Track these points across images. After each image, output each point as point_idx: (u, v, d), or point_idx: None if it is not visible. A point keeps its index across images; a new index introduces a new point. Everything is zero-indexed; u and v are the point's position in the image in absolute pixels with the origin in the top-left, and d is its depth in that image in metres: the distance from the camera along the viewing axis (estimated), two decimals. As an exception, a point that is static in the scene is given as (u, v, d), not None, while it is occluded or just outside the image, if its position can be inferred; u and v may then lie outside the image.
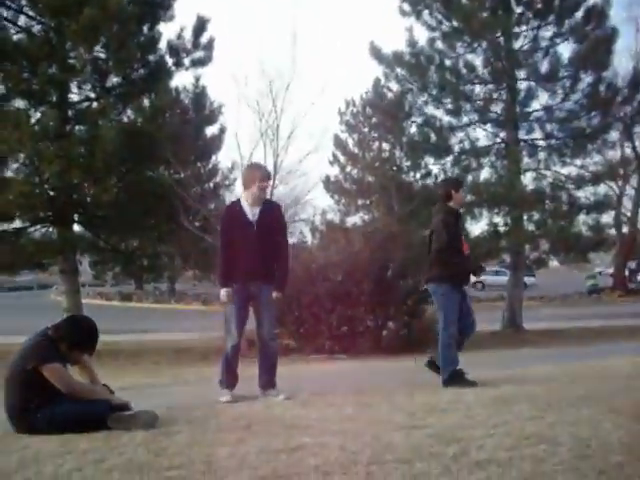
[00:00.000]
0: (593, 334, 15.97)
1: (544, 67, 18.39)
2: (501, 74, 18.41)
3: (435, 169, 20.91)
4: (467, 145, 19.31)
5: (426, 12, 18.54)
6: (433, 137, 19.05)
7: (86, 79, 15.28)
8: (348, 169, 37.09)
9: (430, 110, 19.20)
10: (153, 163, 16.34)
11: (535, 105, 18.90)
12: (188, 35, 16.22)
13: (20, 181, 14.56)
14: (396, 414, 4.61)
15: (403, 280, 14.08)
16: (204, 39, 16.38)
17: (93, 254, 18.25)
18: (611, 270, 41.76)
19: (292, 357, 11.84)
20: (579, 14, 18.05)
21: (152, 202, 15.37)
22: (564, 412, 4.39)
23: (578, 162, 19.32)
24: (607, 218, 23.27)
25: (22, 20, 15.15)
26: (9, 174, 15.29)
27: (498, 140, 19.55)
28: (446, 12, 18.22)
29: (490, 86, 19.10)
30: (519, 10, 18.41)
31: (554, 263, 24.56)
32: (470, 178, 18.72)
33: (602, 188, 21.04)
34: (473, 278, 6.69)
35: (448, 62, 18.71)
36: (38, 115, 15.13)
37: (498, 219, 19.09)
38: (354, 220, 28.67)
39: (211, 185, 20.75)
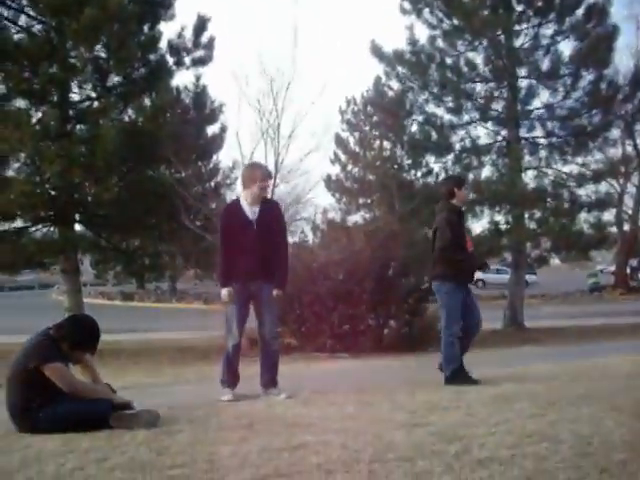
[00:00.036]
0: (594, 332, 15.96)
1: (545, 65, 18.40)
2: (502, 72, 18.40)
3: (436, 167, 20.90)
4: (468, 143, 19.31)
5: (427, 10, 18.54)
6: (434, 135, 19.05)
7: (87, 78, 15.27)
8: (349, 168, 37.09)
9: (431, 108, 19.22)
10: (154, 162, 16.33)
11: (536, 103, 18.92)
12: (189, 34, 16.23)
13: (21, 181, 14.56)
14: (397, 412, 4.61)
15: (404, 278, 14.08)
16: (205, 38, 16.39)
17: (94, 253, 18.24)
18: (612, 268, 41.76)
19: (293, 356, 11.84)
20: (580, 12, 18.03)
21: (153, 201, 15.36)
22: (565, 410, 4.39)
23: (579, 160, 19.32)
24: (608, 216, 23.22)
25: (23, 20, 15.14)
26: (10, 174, 15.28)
27: (499, 138, 19.54)
28: (447, 10, 18.21)
29: (491, 84, 19.09)
30: (520, 8, 18.39)
31: (555, 261, 24.55)
32: (471, 176, 18.69)
33: (603, 186, 21.11)
34: (478, 275, 6.68)
35: (449, 60, 18.71)
36: (39, 115, 15.14)
37: (499, 217, 19.10)
38: (355, 219, 28.60)
39: (212, 184, 20.71)
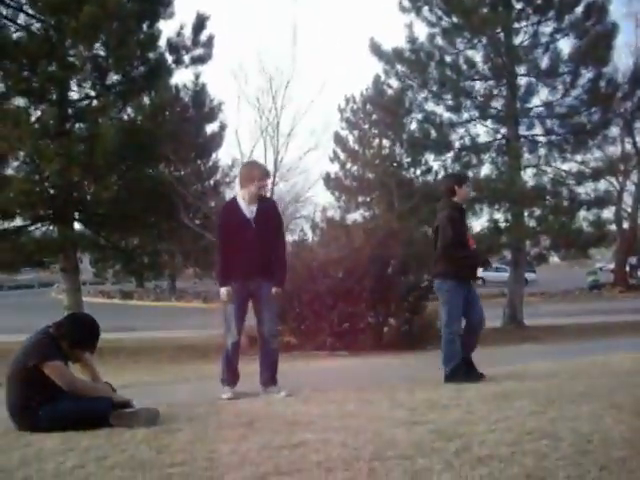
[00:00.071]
0: (594, 330, 15.98)
1: (544, 63, 18.40)
2: (501, 70, 18.39)
3: (435, 165, 20.98)
4: (467, 141, 19.33)
5: (426, 8, 18.53)
6: (433, 133, 19.05)
7: (86, 77, 15.26)
8: (348, 166, 37.08)
9: (430, 106, 19.22)
10: (153, 161, 16.33)
11: (535, 101, 18.94)
12: (188, 32, 16.24)
13: (20, 179, 14.56)
14: (397, 410, 4.61)
15: (404, 276, 14.07)
16: (204, 36, 16.39)
17: (94, 252, 18.28)
18: (612, 266, 41.77)
19: (293, 354, 11.84)
20: (579, 9, 18.04)
21: (152, 200, 15.37)
22: (565, 408, 4.39)
23: (579, 158, 19.35)
24: (608, 214, 23.30)
25: (22, 18, 15.14)
26: (9, 172, 15.30)
27: (499, 136, 19.54)
28: (446, 8, 18.20)
29: (490, 82, 19.09)
30: (519, 6, 18.38)
31: (555, 259, 24.59)
32: (471, 174, 18.69)
33: (603, 184, 21.12)
34: (480, 272, 6.67)
35: (448, 58, 18.70)
36: (38, 113, 15.14)
37: (499, 215, 19.12)
38: (354, 217, 28.62)
39: (211, 182, 20.73)
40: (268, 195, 6.85)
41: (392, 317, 13.85)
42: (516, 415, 4.21)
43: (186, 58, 16.30)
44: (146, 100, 15.96)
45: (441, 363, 6.35)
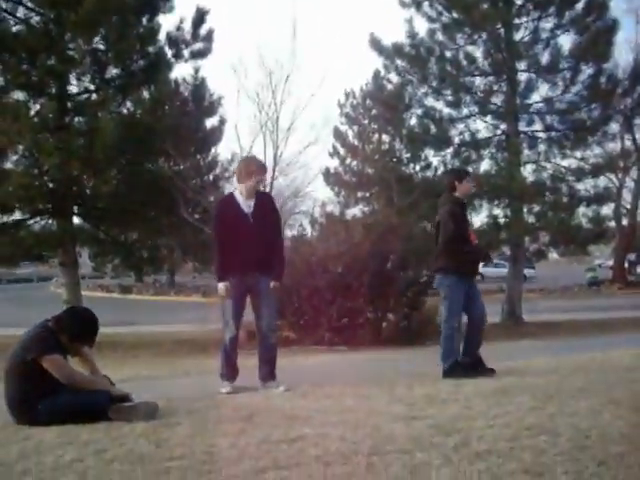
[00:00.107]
0: (593, 326, 15.98)
1: (544, 59, 18.34)
2: (501, 66, 18.35)
3: (435, 161, 20.90)
4: (467, 137, 19.28)
5: (426, 3, 18.46)
6: (433, 129, 19.01)
7: (85, 71, 15.22)
8: (348, 161, 37.06)
9: (430, 102, 19.16)
10: (153, 155, 16.32)
11: (535, 97, 18.88)
12: (187, 26, 16.16)
13: (19, 173, 14.54)
14: (396, 405, 4.62)
15: (403, 272, 14.09)
16: (203, 30, 16.32)
17: (93, 246, 18.24)
18: (611, 262, 41.78)
19: (292, 349, 11.85)
20: (579, 5, 17.97)
21: (152, 194, 15.36)
22: (564, 403, 4.39)
23: (578, 154, 19.29)
24: (607, 210, 23.26)
25: (21, 11, 15.09)
26: (8, 166, 15.27)
27: (498, 132, 19.50)
28: (446, 3, 18.14)
29: (490, 78, 19.04)
30: (519, 1, 18.31)
31: (554, 255, 24.56)
32: (470, 170, 18.68)
33: (602, 180, 21.02)
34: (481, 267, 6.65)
35: (448, 54, 18.65)
36: (37, 107, 15.12)
37: (498, 211, 19.09)
38: (354, 212, 28.65)
39: (211, 177, 20.72)
40: (267, 190, 6.85)
41: (391, 312, 13.87)
42: (515, 410, 4.22)
43: (186, 52, 16.26)
44: (146, 94, 15.94)
45: (440, 359, 6.36)
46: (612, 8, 17.98)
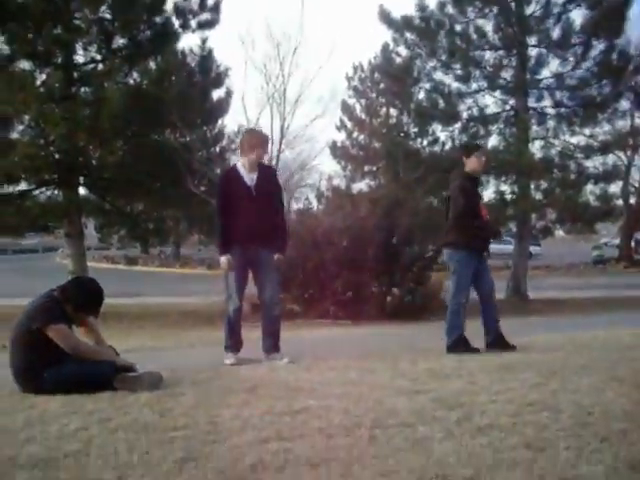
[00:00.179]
0: (597, 304, 15.99)
1: (555, 34, 18.09)
2: (512, 40, 18.13)
3: (443, 136, 20.71)
4: (476, 112, 19.11)
5: (437, -24, 18.22)
6: (441, 103, 18.85)
7: (92, 40, 15.12)
8: (355, 135, 36.91)
9: (439, 76, 18.97)
10: (159, 126, 16.25)
11: (545, 72, 18.67)
12: (195, -4, 16.01)
13: (25, 143, 14.52)
14: (399, 379, 4.63)
15: (408, 247, 14.07)
16: (211, 1, 16.17)
17: (98, 217, 18.27)
18: (617, 241, 41.66)
19: (296, 322, 11.90)
20: (592, -21, 17.72)
21: (158, 165, 15.32)
22: (567, 380, 4.40)
23: (587, 131, 19.13)
24: (615, 188, 23.14)
25: (27, -20, 14.95)
26: (15, 136, 15.24)
27: (507, 107, 19.33)
28: (457, -24, 17.91)
29: (500, 52, 18.81)
30: (531, -25, 18.06)
31: (560, 233, 24.50)
32: (481, 144, 18.55)
33: (611, 158, 20.89)
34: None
35: (458, 27, 18.41)
36: (43, 77, 15.05)
37: (505, 187, 18.98)
38: (360, 186, 28.60)
39: (217, 149, 20.68)
40: (273, 162, 6.84)
41: (396, 287, 13.88)
42: (518, 387, 4.22)
43: (193, 22, 16.11)
44: (152, 65, 15.85)
45: (444, 333, 6.36)
46: (626, -18, 17.68)
